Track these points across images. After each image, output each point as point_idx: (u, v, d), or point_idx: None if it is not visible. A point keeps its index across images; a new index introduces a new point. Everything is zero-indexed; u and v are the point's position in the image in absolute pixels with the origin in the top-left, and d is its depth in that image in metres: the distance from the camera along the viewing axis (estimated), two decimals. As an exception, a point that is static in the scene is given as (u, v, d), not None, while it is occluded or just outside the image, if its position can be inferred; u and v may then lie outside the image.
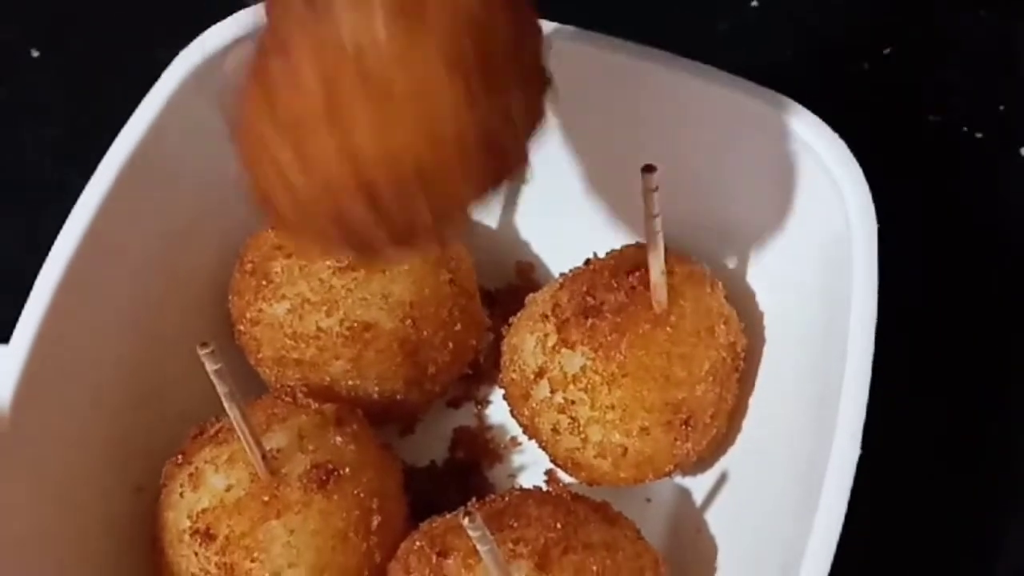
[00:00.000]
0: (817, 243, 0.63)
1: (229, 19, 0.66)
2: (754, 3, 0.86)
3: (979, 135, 0.79)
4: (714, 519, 0.65)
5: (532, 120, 0.47)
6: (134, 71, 0.68)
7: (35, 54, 0.88)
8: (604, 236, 0.68)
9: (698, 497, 0.67)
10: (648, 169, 0.56)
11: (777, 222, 0.65)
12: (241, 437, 0.58)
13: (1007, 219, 0.77)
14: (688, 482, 0.67)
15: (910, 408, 0.69)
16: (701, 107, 0.64)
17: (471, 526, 0.51)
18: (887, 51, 0.83)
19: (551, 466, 0.67)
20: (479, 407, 0.72)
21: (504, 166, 0.47)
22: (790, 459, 0.61)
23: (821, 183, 0.62)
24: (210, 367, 0.54)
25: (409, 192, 0.44)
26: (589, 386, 0.61)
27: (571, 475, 0.65)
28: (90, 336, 0.64)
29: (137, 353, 0.67)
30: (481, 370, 0.72)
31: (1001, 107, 0.80)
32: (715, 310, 0.63)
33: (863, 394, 0.56)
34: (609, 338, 0.61)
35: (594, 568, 0.57)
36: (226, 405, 0.56)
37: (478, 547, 0.52)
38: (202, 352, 0.54)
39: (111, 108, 0.67)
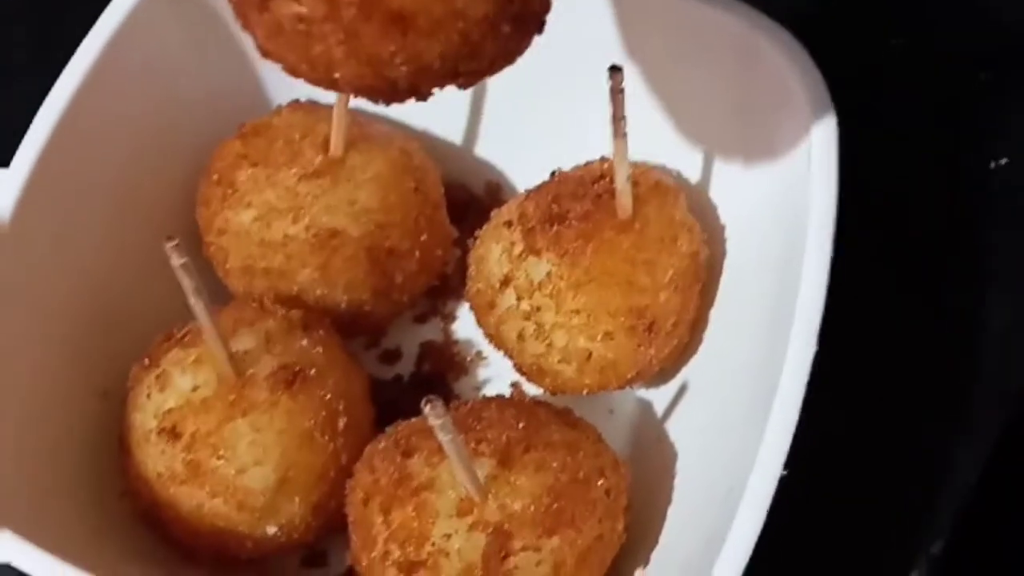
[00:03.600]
0: (779, 158, 0.64)
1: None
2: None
3: (941, 58, 0.80)
4: (674, 428, 0.66)
5: None
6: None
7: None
8: (571, 154, 0.69)
9: (659, 408, 0.68)
10: (615, 69, 0.56)
11: (741, 137, 0.66)
12: (206, 333, 0.58)
13: (964, 139, 0.78)
14: (650, 393, 0.68)
15: (869, 312, 0.70)
16: (671, 19, 0.64)
17: (432, 413, 0.51)
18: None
19: (516, 378, 0.68)
20: (445, 322, 0.73)
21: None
22: (747, 368, 0.61)
23: (787, 100, 0.63)
24: (176, 261, 0.55)
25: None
26: (554, 292, 0.62)
27: (536, 383, 0.66)
28: (55, 246, 0.64)
29: (104, 264, 0.67)
30: (448, 285, 0.72)
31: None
32: (678, 219, 0.64)
33: (819, 300, 0.57)
34: (574, 244, 0.61)
35: (554, 465, 0.57)
36: (191, 301, 0.56)
37: (440, 436, 0.52)
38: (168, 245, 0.54)
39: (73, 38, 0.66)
